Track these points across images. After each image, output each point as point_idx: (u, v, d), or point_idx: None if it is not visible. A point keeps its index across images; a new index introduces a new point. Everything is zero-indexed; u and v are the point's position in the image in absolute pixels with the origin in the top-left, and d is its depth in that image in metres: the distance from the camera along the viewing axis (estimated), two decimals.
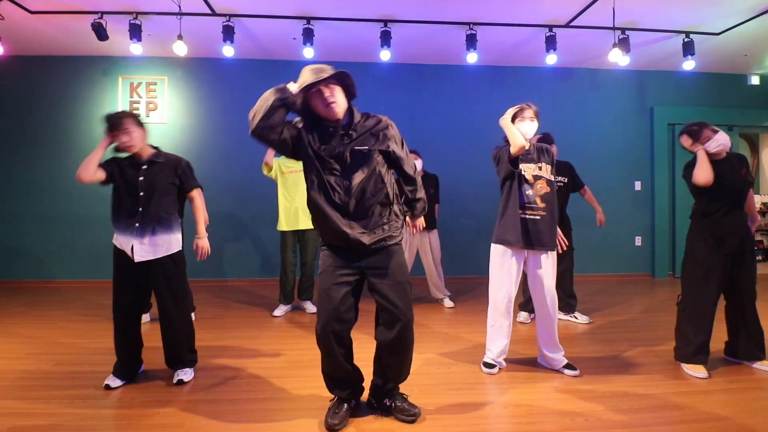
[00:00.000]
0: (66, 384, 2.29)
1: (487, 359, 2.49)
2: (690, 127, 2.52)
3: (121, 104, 5.00)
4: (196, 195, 2.40)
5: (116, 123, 2.20)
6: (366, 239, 1.80)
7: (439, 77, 5.25)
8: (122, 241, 2.23)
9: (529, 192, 2.37)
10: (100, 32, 3.92)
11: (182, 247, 2.37)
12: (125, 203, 2.23)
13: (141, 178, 2.22)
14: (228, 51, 4.07)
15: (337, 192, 1.79)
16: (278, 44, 4.67)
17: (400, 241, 1.94)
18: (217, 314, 3.71)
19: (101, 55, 4.90)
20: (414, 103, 5.19)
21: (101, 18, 3.91)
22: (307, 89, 1.75)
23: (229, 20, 3.98)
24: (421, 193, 2.05)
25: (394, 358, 1.90)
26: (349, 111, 1.85)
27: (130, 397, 2.16)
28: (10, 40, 4.33)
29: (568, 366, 2.43)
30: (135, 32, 3.92)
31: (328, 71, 1.74)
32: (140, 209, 2.20)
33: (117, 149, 2.26)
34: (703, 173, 2.38)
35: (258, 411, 2.03)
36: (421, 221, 2.25)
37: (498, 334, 2.43)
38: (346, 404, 1.94)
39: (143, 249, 2.21)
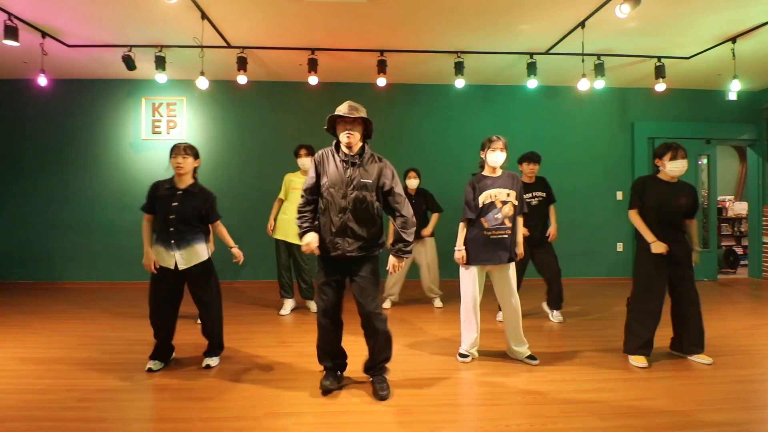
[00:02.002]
0: (114, 367, 2.80)
1: (461, 350, 2.94)
2: (665, 145, 2.88)
3: (144, 123, 5.53)
4: (218, 224, 2.89)
5: (174, 150, 2.73)
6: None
7: (431, 96, 5.71)
8: (163, 255, 2.71)
9: (499, 215, 2.81)
10: (129, 64, 4.44)
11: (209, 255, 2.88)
12: (163, 227, 2.71)
13: (175, 204, 2.70)
14: (242, 79, 4.56)
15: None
16: (286, 69, 5.16)
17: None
18: (229, 313, 4.19)
19: (125, 78, 5.43)
20: (407, 120, 5.64)
21: (130, 51, 4.42)
22: (338, 117, 2.36)
23: (242, 52, 4.48)
24: (409, 236, 2.46)
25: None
26: (362, 147, 2.45)
27: (168, 378, 2.64)
28: (48, 69, 4.87)
29: (530, 357, 2.88)
30: (160, 63, 4.43)
31: (360, 112, 2.37)
32: (172, 230, 2.69)
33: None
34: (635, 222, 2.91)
35: (271, 383, 2.50)
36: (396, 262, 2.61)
37: (468, 328, 2.89)
38: (333, 373, 2.52)
39: (182, 259, 2.71)
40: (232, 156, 5.57)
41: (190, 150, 2.75)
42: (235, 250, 2.92)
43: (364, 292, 2.40)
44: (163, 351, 2.82)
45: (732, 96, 6.01)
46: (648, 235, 2.84)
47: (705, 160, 6.15)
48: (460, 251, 2.84)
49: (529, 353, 2.90)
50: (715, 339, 3.24)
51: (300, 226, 2.41)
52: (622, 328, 3.28)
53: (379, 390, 2.41)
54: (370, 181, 2.38)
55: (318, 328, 2.50)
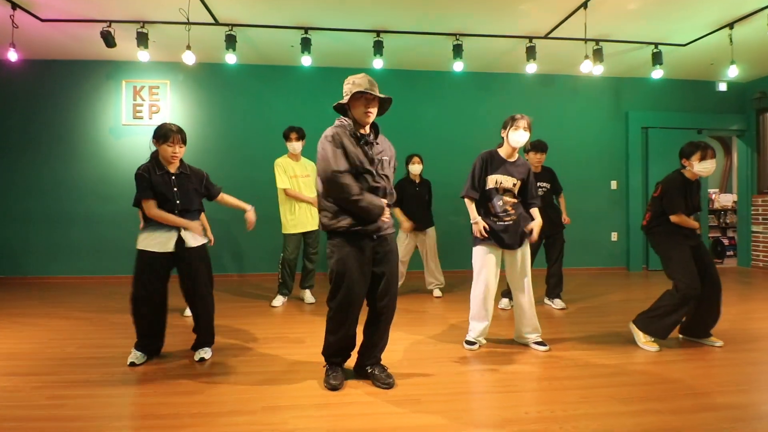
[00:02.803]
0: (92, 362, 2.55)
1: (469, 337, 2.80)
2: (694, 144, 2.77)
3: (125, 107, 5.23)
4: (223, 195, 2.79)
5: (170, 136, 2.50)
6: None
7: (429, 83, 5.57)
8: (163, 239, 2.49)
9: (500, 202, 2.69)
10: (109, 40, 4.16)
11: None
12: (165, 210, 2.50)
13: (175, 189, 2.53)
14: (230, 58, 4.33)
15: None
16: (277, 51, 4.94)
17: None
18: (222, 306, 3.97)
19: (105, 60, 5.13)
20: (405, 108, 5.49)
21: (110, 26, 4.14)
22: (360, 93, 2.13)
23: (231, 29, 4.24)
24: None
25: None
26: (374, 126, 2.28)
27: (153, 372, 2.42)
28: (21, 48, 4.54)
29: (539, 343, 2.76)
30: (142, 40, 4.16)
31: (378, 89, 2.19)
32: (177, 212, 2.52)
33: (155, 156, 2.54)
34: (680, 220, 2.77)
35: (268, 375, 2.31)
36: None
37: (479, 316, 2.75)
38: (339, 368, 2.30)
39: (191, 237, 2.54)
40: (219, 143, 5.32)
41: (181, 134, 2.56)
42: (250, 214, 2.78)
43: (390, 269, 2.25)
44: (149, 344, 2.60)
45: (722, 87, 6.10)
46: (693, 224, 2.78)
47: None
48: (477, 224, 2.68)
49: (539, 339, 2.78)
50: (718, 324, 3.18)
51: (382, 206, 2.15)
52: (622, 314, 3.19)
53: (385, 378, 2.24)
54: (388, 158, 2.27)
55: (332, 321, 2.23)
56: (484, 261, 2.71)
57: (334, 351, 2.29)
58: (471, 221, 2.73)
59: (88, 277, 5.11)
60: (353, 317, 2.22)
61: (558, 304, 3.82)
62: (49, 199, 5.14)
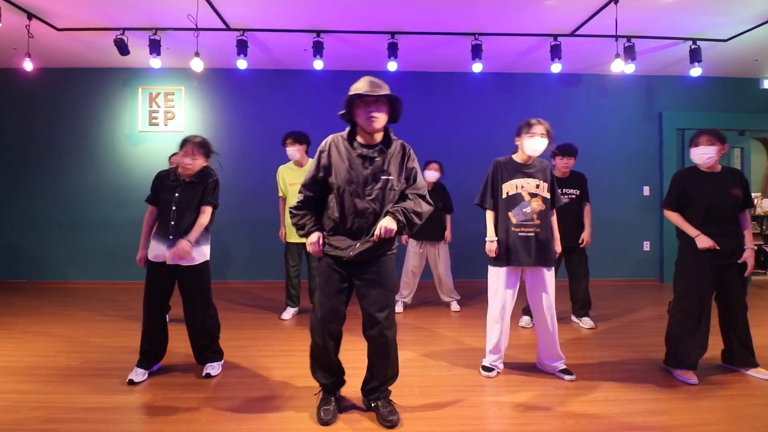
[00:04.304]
0: (92, 380, 2.48)
1: (485, 363, 2.59)
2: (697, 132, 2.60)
3: (141, 113, 5.24)
4: (205, 210, 2.51)
5: (184, 145, 2.47)
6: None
7: (446, 84, 5.35)
8: (157, 251, 2.45)
9: (527, 209, 2.45)
10: (122, 47, 4.14)
11: (209, 257, 2.59)
12: (163, 217, 2.48)
13: (176, 195, 2.46)
14: (242, 64, 4.24)
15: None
16: (290, 55, 4.83)
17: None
18: (229, 315, 3.88)
19: (121, 67, 5.14)
20: (421, 110, 5.30)
21: (123, 34, 4.12)
22: (357, 96, 1.90)
23: (242, 35, 4.16)
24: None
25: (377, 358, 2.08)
26: (386, 134, 2.02)
27: (151, 394, 2.33)
28: (37, 56, 4.59)
29: (564, 371, 2.52)
30: (155, 47, 4.13)
31: (384, 89, 1.91)
32: (172, 223, 2.43)
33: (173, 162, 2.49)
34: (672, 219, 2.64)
35: (258, 405, 2.17)
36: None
37: (494, 339, 2.54)
38: (333, 398, 2.10)
39: (169, 255, 2.43)
40: (233, 148, 5.25)
41: (202, 149, 2.48)
42: (183, 242, 2.37)
43: (377, 298, 2.00)
44: (148, 358, 2.52)
45: (767, 84, 5.63)
46: (690, 229, 2.51)
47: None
48: (492, 242, 2.48)
49: (563, 367, 2.54)
50: (765, 349, 2.85)
51: (300, 227, 2.03)
52: (657, 335, 2.92)
53: (388, 415, 2.02)
54: (393, 177, 1.98)
55: (311, 336, 2.07)
56: (500, 282, 2.50)
57: (319, 371, 2.12)
58: (487, 238, 2.51)
59: (105, 282, 5.14)
60: (327, 334, 2.01)
61: (587, 323, 3.54)
62: (69, 205, 5.19)
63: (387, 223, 1.88)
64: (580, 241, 3.47)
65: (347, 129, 2.05)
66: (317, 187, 2.04)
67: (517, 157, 2.54)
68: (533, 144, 2.41)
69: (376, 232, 1.89)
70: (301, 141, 3.65)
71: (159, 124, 5.25)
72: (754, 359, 2.56)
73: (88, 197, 5.20)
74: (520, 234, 2.44)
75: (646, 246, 5.52)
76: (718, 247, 2.43)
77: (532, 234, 2.44)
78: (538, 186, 2.48)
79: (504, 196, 2.49)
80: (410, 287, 4.05)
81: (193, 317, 2.53)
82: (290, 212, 2.09)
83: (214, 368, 2.56)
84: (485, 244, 2.52)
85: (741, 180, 2.54)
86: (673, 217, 2.61)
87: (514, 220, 2.46)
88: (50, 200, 5.20)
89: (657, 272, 5.52)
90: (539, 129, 2.41)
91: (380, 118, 1.92)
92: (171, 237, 2.44)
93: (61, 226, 5.19)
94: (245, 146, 5.24)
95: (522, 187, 2.47)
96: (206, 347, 2.57)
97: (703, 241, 2.45)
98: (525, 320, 3.56)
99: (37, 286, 5.04)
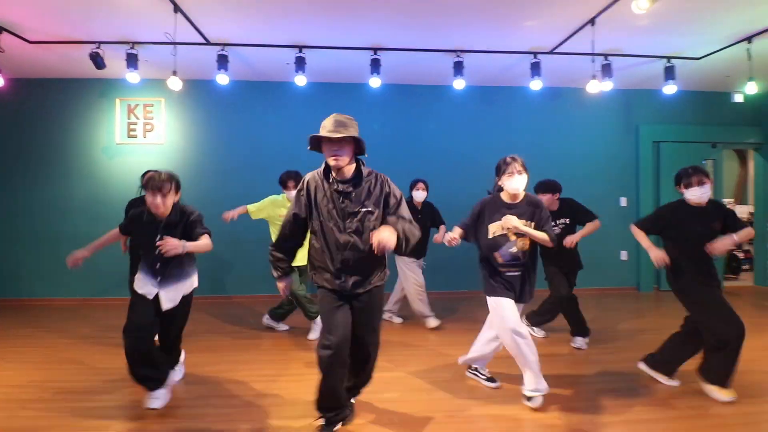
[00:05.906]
0: (61, 421, 2.40)
1: (525, 392, 2.49)
2: (681, 171, 2.66)
3: (119, 125, 5.12)
4: (203, 238, 2.42)
5: (156, 186, 2.31)
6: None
7: (429, 98, 5.38)
8: (145, 289, 2.41)
9: (513, 249, 2.44)
10: (98, 62, 4.04)
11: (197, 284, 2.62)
12: (147, 258, 2.41)
13: (159, 240, 2.28)
14: (222, 79, 4.18)
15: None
16: (272, 68, 4.79)
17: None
18: (219, 330, 3.82)
19: (98, 78, 5.00)
20: (404, 123, 5.31)
21: (99, 47, 4.02)
22: (317, 138, 2.00)
23: (223, 50, 4.10)
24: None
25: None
26: (358, 167, 2.07)
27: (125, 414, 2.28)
28: (9, 69, 4.44)
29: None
30: (132, 61, 4.04)
31: (348, 128, 1.96)
32: (158, 266, 2.38)
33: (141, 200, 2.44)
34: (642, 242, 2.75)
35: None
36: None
37: (526, 364, 2.44)
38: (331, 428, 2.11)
39: (168, 298, 2.42)
40: (216, 162, 5.18)
41: (169, 184, 2.33)
42: (174, 241, 2.26)
43: (367, 323, 2.14)
44: (143, 378, 2.38)
45: (738, 98, 5.82)
46: (651, 248, 2.67)
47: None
48: (451, 233, 2.52)
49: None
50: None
51: (275, 267, 2.14)
52: (641, 349, 3.02)
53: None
54: (371, 209, 2.04)
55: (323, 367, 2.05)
56: (497, 307, 2.45)
57: (323, 401, 2.11)
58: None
59: (78, 299, 4.99)
60: (334, 362, 2.03)
61: (539, 332, 3.75)
62: (44, 219, 5.04)
63: (387, 235, 1.86)
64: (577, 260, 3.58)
65: (323, 165, 2.10)
66: (296, 227, 2.11)
67: (505, 197, 2.51)
68: (513, 183, 2.41)
69: (374, 244, 1.87)
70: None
71: (138, 136, 5.14)
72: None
73: (63, 211, 5.05)
74: (507, 274, 2.46)
75: (624, 255, 5.66)
76: (668, 264, 2.63)
77: (518, 274, 2.47)
78: (525, 225, 2.43)
79: (490, 236, 2.47)
80: (425, 301, 4.01)
81: (171, 339, 2.60)
82: (270, 248, 2.16)
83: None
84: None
85: (725, 213, 2.64)
86: (639, 234, 2.76)
87: (499, 260, 2.46)
88: (24, 214, 5.04)
89: (634, 281, 5.67)
90: (516, 167, 2.40)
91: (343, 158, 1.99)
92: (159, 278, 2.40)
93: (35, 241, 5.04)
94: (229, 159, 5.16)
95: (507, 228, 2.44)
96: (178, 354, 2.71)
97: (657, 254, 2.61)
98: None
99: (9, 304, 4.88)
